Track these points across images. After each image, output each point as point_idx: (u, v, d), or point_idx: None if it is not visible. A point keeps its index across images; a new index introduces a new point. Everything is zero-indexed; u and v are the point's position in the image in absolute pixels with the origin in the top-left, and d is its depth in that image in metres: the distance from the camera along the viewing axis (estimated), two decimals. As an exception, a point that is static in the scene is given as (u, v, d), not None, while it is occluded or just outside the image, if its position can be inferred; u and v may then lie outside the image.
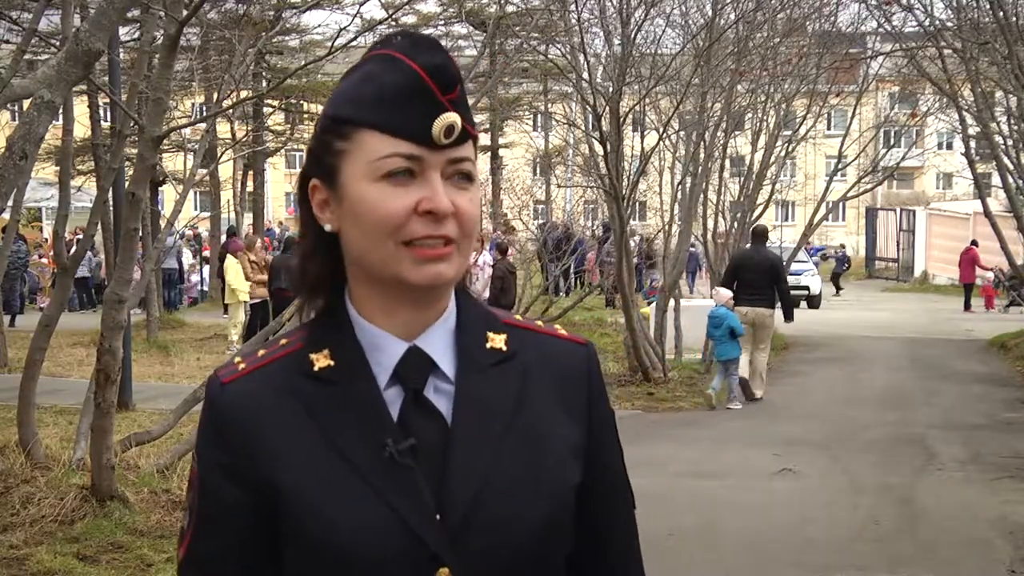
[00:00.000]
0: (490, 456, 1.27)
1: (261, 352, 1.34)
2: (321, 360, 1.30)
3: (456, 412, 1.29)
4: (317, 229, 1.32)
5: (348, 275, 1.32)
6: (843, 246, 34.80)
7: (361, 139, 1.26)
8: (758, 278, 11.84)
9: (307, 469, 1.25)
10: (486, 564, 1.25)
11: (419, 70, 1.24)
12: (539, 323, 1.42)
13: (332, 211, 1.30)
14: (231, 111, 17.04)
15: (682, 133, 14.94)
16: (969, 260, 23.70)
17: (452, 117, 1.24)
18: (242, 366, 1.33)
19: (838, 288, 28.89)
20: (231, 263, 15.68)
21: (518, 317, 1.42)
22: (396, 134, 1.25)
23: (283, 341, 1.35)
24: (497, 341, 1.35)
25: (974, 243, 24.54)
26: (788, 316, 12.39)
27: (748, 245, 13.11)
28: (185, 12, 6.35)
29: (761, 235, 12.55)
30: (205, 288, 24.78)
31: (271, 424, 1.28)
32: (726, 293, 11.65)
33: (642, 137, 15.57)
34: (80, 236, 12.37)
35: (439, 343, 1.31)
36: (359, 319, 1.31)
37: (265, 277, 15.45)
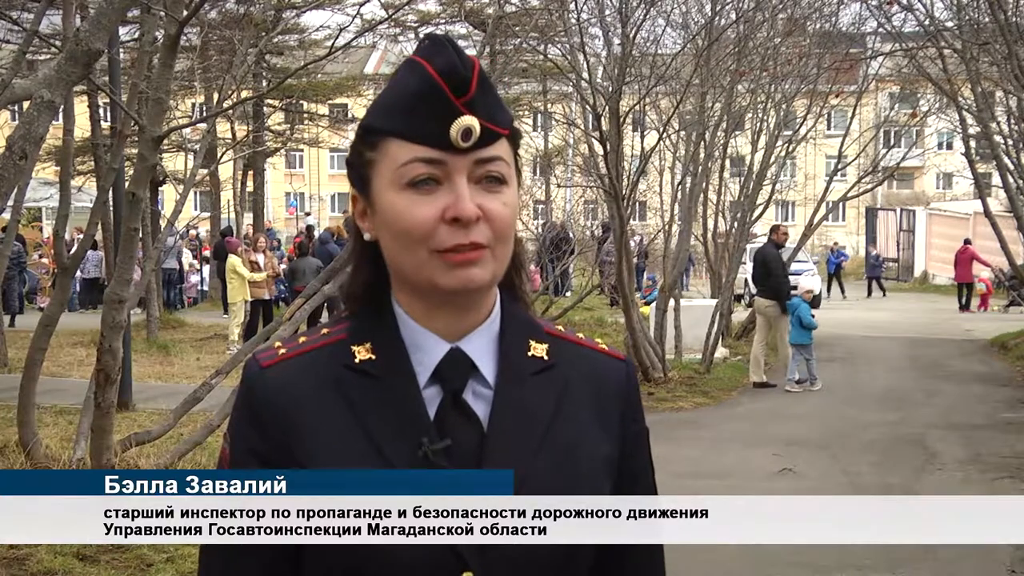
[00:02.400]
0: (523, 463, 1.27)
1: (302, 339, 1.35)
2: (362, 353, 1.31)
3: (493, 417, 1.29)
4: (361, 237, 1.34)
5: (392, 278, 1.33)
6: (874, 247, 33.42)
7: (386, 148, 1.27)
8: (757, 271, 13.16)
9: (341, 460, 1.26)
10: (510, 567, 1.25)
11: (433, 74, 1.24)
12: (580, 335, 1.42)
13: (370, 220, 1.32)
14: (231, 111, 17.05)
15: (682, 133, 14.94)
16: (967, 259, 23.66)
17: (468, 120, 1.24)
18: (282, 351, 1.33)
19: (872, 291, 28.08)
20: (234, 261, 15.69)
21: (560, 327, 1.42)
22: (415, 140, 1.25)
23: (324, 331, 1.36)
24: (539, 350, 1.35)
25: (967, 241, 24.55)
26: (781, 308, 12.77)
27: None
28: (185, 12, 6.34)
29: (769, 232, 13.55)
30: (205, 288, 24.77)
31: (309, 411, 1.28)
32: (805, 284, 13.18)
33: (642, 137, 15.58)
34: (80, 236, 12.36)
35: (481, 347, 1.32)
36: (404, 316, 1.32)
37: (260, 276, 15.49)
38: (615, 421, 1.37)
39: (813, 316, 12.47)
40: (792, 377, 12.41)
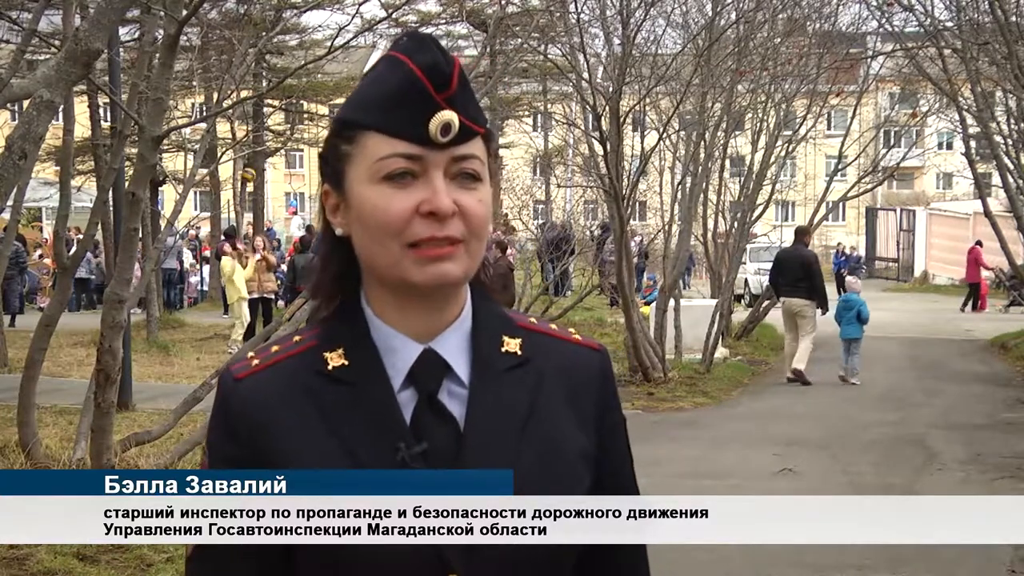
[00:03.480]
0: (502, 461, 1.26)
1: (275, 348, 1.34)
2: (335, 359, 1.30)
3: (469, 416, 1.28)
4: (331, 233, 1.32)
5: (363, 277, 1.32)
6: (854, 248, 33.24)
7: (364, 141, 1.26)
8: (793, 272, 13.02)
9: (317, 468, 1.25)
10: (495, 569, 1.24)
11: (415, 70, 1.24)
12: (554, 326, 1.41)
13: (342, 215, 1.31)
14: (231, 111, 17.04)
15: (682, 133, 14.94)
16: (971, 260, 23.63)
17: (447, 115, 1.24)
18: (255, 361, 1.32)
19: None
20: (226, 262, 15.72)
21: (533, 320, 1.41)
22: (394, 134, 1.25)
23: (296, 338, 1.34)
24: (512, 345, 1.34)
25: (978, 243, 24.53)
26: (822, 307, 13.01)
27: (791, 243, 14.12)
28: (185, 12, 6.34)
29: (799, 234, 13.73)
30: (205, 288, 24.78)
31: (283, 422, 1.27)
32: (858, 283, 13.98)
33: (642, 137, 15.57)
34: (80, 236, 12.35)
35: (454, 346, 1.31)
36: (375, 319, 1.31)
37: (243, 280, 15.51)
38: (591, 412, 1.36)
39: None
40: (856, 370, 12.86)
